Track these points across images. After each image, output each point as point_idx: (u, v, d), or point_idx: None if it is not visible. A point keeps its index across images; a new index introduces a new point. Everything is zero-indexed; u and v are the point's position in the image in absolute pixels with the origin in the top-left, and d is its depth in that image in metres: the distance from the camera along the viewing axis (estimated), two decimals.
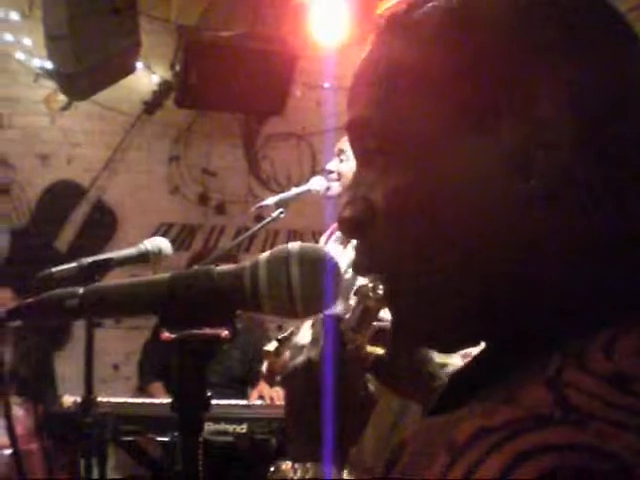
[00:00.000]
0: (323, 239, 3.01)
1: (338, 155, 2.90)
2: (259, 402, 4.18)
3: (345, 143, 2.83)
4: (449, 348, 0.74)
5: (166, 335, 0.84)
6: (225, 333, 0.85)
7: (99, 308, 0.87)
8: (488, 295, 0.66)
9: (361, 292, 0.83)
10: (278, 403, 3.95)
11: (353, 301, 0.94)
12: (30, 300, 0.87)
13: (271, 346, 1.14)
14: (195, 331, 0.84)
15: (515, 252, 0.64)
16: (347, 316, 0.90)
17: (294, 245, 0.84)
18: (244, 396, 4.41)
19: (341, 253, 2.67)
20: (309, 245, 0.86)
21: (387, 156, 0.68)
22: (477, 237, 0.65)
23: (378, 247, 0.69)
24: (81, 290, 0.85)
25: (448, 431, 0.56)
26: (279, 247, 0.85)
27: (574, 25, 0.65)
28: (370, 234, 0.70)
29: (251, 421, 3.77)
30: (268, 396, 4.21)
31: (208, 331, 0.84)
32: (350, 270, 2.69)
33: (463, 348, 0.72)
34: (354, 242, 0.74)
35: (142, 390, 4.76)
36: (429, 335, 0.72)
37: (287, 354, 1.06)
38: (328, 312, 0.92)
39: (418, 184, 0.66)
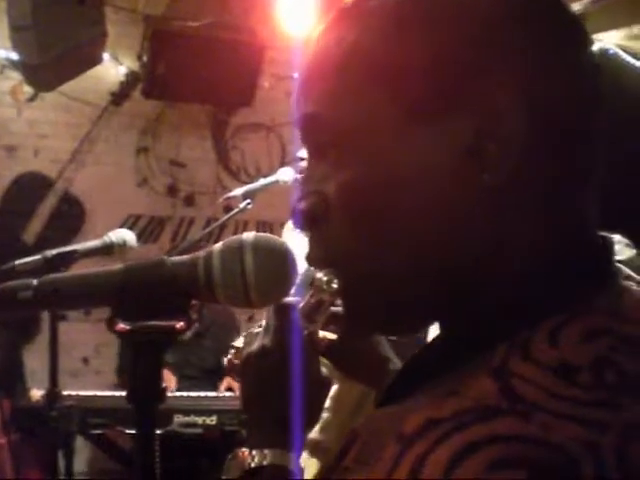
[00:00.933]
0: (287, 228, 3.01)
1: None
2: (228, 394, 4.18)
3: None
4: (400, 334, 0.75)
5: (121, 326, 0.84)
6: (180, 324, 0.84)
7: (54, 299, 0.86)
8: (439, 285, 0.67)
9: (316, 285, 0.84)
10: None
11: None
12: None
13: (239, 342, 1.14)
14: (150, 322, 0.83)
15: (466, 243, 0.65)
16: (300, 305, 0.91)
17: (248, 235, 0.84)
18: (218, 388, 4.41)
19: (305, 244, 2.66)
20: (263, 235, 0.86)
21: (340, 149, 0.68)
22: (429, 228, 0.65)
23: (332, 239, 0.70)
24: (35, 281, 0.84)
25: (397, 422, 0.57)
26: (233, 237, 0.85)
27: (530, 24, 0.66)
28: (324, 227, 0.70)
29: (221, 413, 3.77)
30: (237, 388, 4.21)
31: (163, 322, 0.83)
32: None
33: (414, 333, 0.73)
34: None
35: (121, 380, 4.72)
36: (380, 323, 0.73)
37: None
38: (285, 299, 0.92)
39: (371, 177, 0.66)
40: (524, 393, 0.55)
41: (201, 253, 0.85)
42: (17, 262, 2.18)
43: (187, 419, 3.69)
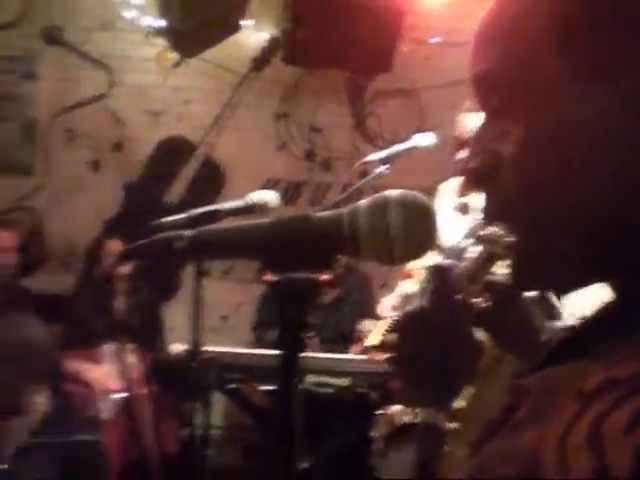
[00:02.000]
0: (441, 190, 2.97)
1: None
2: (362, 356, 4.22)
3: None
4: (561, 291, 0.75)
5: (269, 277, 0.87)
6: (325, 277, 0.87)
7: (207, 250, 0.90)
8: (610, 245, 0.67)
9: (489, 238, 0.84)
10: (380, 358, 3.98)
11: (472, 252, 0.94)
12: (141, 242, 0.92)
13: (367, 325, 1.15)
14: (296, 274, 0.86)
15: None
16: (463, 265, 0.91)
17: (394, 191, 0.86)
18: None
19: (460, 220, 2.65)
20: (409, 192, 0.87)
21: (512, 107, 0.69)
22: (601, 186, 0.65)
23: (504, 196, 0.71)
24: (189, 232, 0.89)
25: (574, 380, 0.58)
26: (379, 194, 0.86)
27: None
28: (496, 184, 0.71)
29: (353, 375, 3.81)
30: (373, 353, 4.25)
31: (308, 274, 0.86)
32: (467, 239, 2.67)
33: (577, 289, 0.73)
34: (473, 210, 0.75)
35: (257, 335, 4.83)
36: (547, 278, 0.73)
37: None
38: (442, 262, 0.94)
39: (544, 133, 0.67)
40: None
41: (346, 209, 0.87)
42: (163, 220, 2.27)
43: (320, 379, 3.75)
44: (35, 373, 2.90)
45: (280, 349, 0.89)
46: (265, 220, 0.87)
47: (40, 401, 2.94)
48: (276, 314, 0.89)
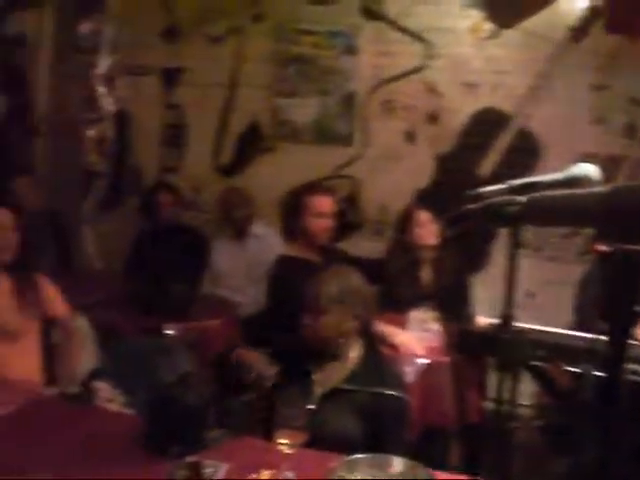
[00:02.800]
0: None
1: None
2: None
3: None
4: None
5: (601, 247, 0.85)
6: None
7: (539, 215, 0.90)
8: None
9: None
10: None
11: None
12: (473, 206, 0.94)
13: None
14: (630, 246, 0.84)
15: None
16: None
17: None
18: None
19: None
20: None
21: None
22: None
23: None
24: (523, 198, 0.89)
25: None
26: None
27: None
28: None
29: None
30: None
31: None
32: None
33: None
34: None
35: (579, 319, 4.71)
36: None
37: None
38: None
39: None
40: None
41: None
42: (482, 190, 2.27)
43: (635, 367, 3.57)
44: (357, 323, 3.07)
45: (608, 325, 0.87)
46: (603, 188, 0.85)
47: (354, 353, 3.11)
48: (601, 293, 0.87)
